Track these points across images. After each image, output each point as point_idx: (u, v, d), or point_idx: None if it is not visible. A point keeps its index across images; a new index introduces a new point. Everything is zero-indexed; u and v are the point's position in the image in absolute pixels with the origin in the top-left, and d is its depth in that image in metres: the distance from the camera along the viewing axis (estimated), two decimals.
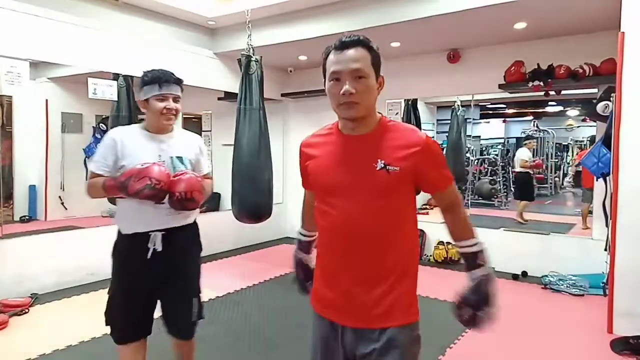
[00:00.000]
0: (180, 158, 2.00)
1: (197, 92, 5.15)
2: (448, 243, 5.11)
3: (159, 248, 1.93)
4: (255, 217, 3.80)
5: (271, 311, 3.61)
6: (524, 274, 4.54)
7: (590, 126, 7.50)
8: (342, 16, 4.38)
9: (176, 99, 2.00)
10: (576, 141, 9.62)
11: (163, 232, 1.94)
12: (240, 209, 3.71)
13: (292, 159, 6.42)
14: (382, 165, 1.22)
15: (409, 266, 1.30)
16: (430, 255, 5.17)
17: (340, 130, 1.32)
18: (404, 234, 1.28)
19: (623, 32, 3.06)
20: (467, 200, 5.79)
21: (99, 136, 5.95)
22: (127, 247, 1.98)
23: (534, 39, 4.62)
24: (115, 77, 4.55)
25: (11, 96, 5.24)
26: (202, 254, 2.20)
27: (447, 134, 6.10)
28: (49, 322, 3.36)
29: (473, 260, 1.31)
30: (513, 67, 4.64)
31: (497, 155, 8.51)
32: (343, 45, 1.22)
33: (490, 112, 8.23)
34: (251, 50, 3.92)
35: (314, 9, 4.53)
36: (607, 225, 3.69)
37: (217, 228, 5.16)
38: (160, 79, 1.95)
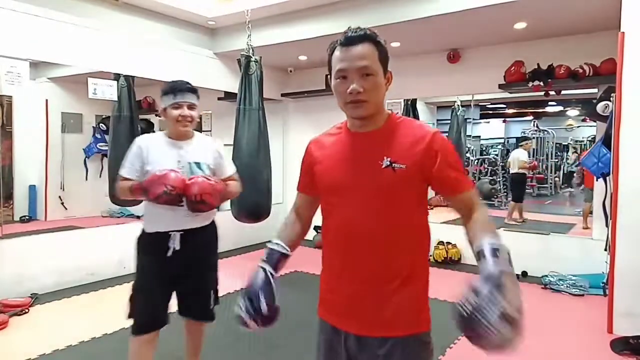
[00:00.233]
0: (198, 164, 2.14)
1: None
2: (448, 243, 5.11)
3: (178, 247, 2.08)
4: (254, 217, 3.82)
5: None
6: (524, 274, 4.54)
7: (590, 126, 7.51)
8: (342, 16, 4.38)
9: (191, 107, 2.13)
10: (576, 141, 9.63)
11: (181, 232, 2.09)
12: (240, 208, 3.71)
13: (292, 159, 6.43)
14: (388, 163, 1.15)
15: (416, 270, 1.22)
16: (430, 255, 5.15)
17: (348, 129, 1.27)
18: (411, 235, 1.20)
19: (623, 32, 3.06)
20: None
21: (99, 136, 5.96)
22: (150, 243, 2.13)
23: (534, 39, 4.62)
24: (116, 77, 4.55)
25: (11, 96, 5.24)
26: None
27: (447, 134, 6.10)
28: (49, 322, 3.36)
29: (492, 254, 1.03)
30: (513, 67, 4.64)
31: (497, 155, 8.52)
32: (349, 40, 1.16)
33: (490, 112, 8.24)
34: (251, 51, 3.92)
35: (314, 9, 4.53)
36: (607, 225, 3.69)
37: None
38: (175, 88, 2.11)
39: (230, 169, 2.31)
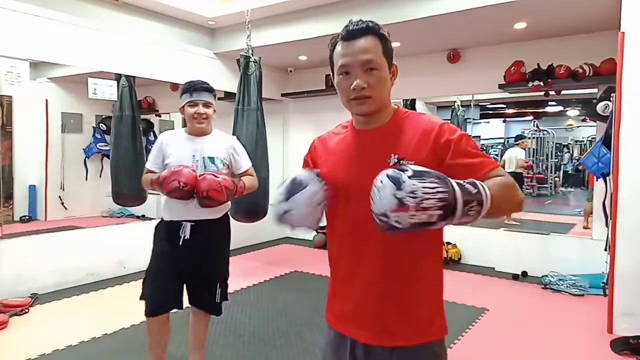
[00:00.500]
0: (212, 158, 2.27)
1: None
2: (448, 243, 5.11)
3: (188, 236, 2.21)
4: (251, 217, 3.83)
5: (271, 311, 3.61)
6: (524, 274, 4.54)
7: (590, 126, 7.51)
8: (342, 16, 4.38)
9: (206, 105, 2.27)
10: (576, 141, 9.64)
11: (192, 223, 2.22)
12: (237, 208, 3.72)
13: (292, 159, 6.43)
14: (396, 160, 1.08)
15: (429, 275, 1.15)
16: None
17: (354, 127, 1.21)
18: (423, 237, 1.06)
19: (623, 32, 3.06)
20: None
21: (99, 136, 5.96)
22: (165, 231, 2.29)
23: (534, 39, 4.62)
24: (117, 77, 4.55)
25: (11, 96, 5.23)
26: None
27: None
28: (49, 322, 3.36)
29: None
30: (513, 67, 4.64)
31: (497, 155, 8.51)
32: (351, 34, 1.11)
33: (490, 112, 8.23)
34: (250, 51, 3.92)
35: (314, 9, 4.53)
36: (607, 225, 3.69)
37: None
38: (191, 87, 2.26)
39: (245, 164, 2.41)
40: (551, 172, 9.05)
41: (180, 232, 2.22)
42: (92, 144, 5.97)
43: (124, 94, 4.59)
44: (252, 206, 3.73)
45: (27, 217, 5.58)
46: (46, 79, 5.45)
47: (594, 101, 4.03)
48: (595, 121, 4.43)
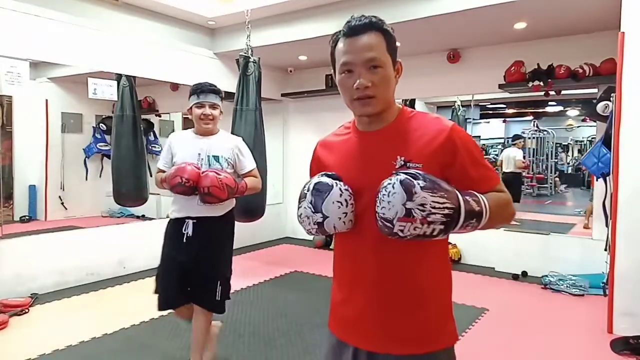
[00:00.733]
0: (216, 157, 2.34)
1: None
2: (448, 243, 5.11)
3: (190, 233, 2.29)
4: (248, 216, 3.83)
5: (271, 311, 3.61)
6: (524, 274, 4.54)
7: (590, 126, 7.52)
8: (342, 16, 4.35)
9: (213, 106, 2.35)
10: (576, 141, 9.65)
11: (194, 220, 2.29)
12: (234, 207, 3.73)
13: (292, 159, 6.43)
14: (402, 163, 1.03)
15: (437, 280, 1.11)
16: None
17: (357, 128, 1.16)
18: (430, 244, 1.04)
19: (623, 32, 3.06)
20: None
21: (99, 136, 5.96)
22: (171, 227, 2.38)
23: (534, 39, 4.62)
24: (118, 77, 4.55)
25: (11, 96, 5.23)
26: None
27: None
28: (49, 322, 3.36)
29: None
30: (513, 67, 4.63)
31: (497, 155, 8.52)
32: (353, 30, 1.06)
33: (490, 112, 8.24)
34: (249, 51, 3.92)
35: (314, 9, 4.53)
36: (607, 225, 3.69)
37: None
38: (198, 89, 2.34)
39: (249, 165, 2.46)
40: (551, 172, 9.06)
41: (184, 230, 2.29)
42: (92, 144, 5.97)
43: (124, 93, 4.59)
44: (250, 206, 3.73)
45: (27, 217, 5.58)
46: (46, 79, 5.45)
47: (594, 101, 4.03)
48: (595, 121, 4.43)
